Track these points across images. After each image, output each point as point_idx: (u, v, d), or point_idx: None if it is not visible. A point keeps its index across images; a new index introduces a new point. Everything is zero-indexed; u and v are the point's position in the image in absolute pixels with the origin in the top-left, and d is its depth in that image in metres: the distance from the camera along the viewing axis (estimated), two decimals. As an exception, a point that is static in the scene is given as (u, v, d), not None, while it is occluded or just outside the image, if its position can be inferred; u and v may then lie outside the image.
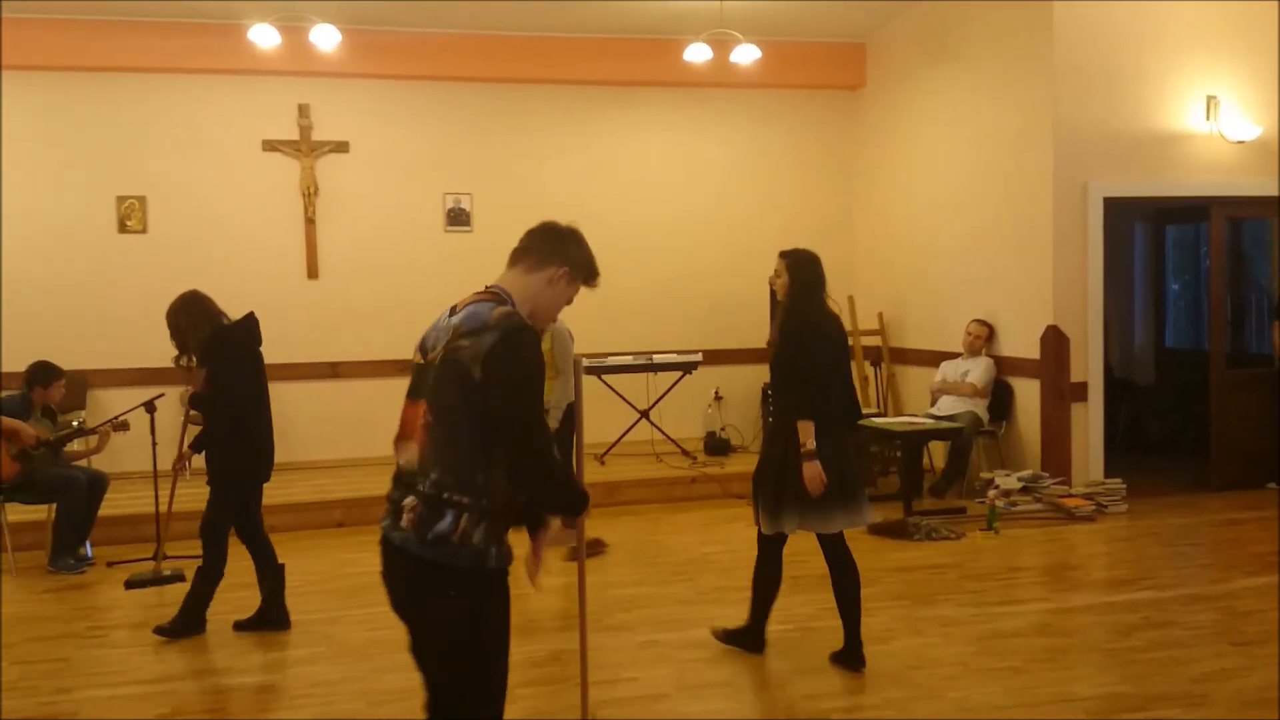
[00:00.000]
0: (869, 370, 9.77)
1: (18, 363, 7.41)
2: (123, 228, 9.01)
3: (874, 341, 9.81)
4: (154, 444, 6.60)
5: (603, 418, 9.28)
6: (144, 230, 9.04)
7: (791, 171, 10.38)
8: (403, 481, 2.68)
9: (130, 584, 5.80)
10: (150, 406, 6.55)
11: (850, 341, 9.87)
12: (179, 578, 5.69)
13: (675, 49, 9.19)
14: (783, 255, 4.78)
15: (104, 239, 8.95)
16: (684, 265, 10.16)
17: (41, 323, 8.66)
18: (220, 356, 5.28)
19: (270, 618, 5.41)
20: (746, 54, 8.99)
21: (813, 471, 4.47)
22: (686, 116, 10.17)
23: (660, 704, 4.38)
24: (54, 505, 6.76)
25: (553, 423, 6.35)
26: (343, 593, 6.09)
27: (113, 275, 8.89)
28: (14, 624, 5.28)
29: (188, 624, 5.30)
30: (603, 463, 8.92)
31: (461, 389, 2.55)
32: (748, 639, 4.92)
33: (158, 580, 5.90)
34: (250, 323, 5.44)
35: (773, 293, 6.16)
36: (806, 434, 4.48)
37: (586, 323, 9.84)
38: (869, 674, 4.62)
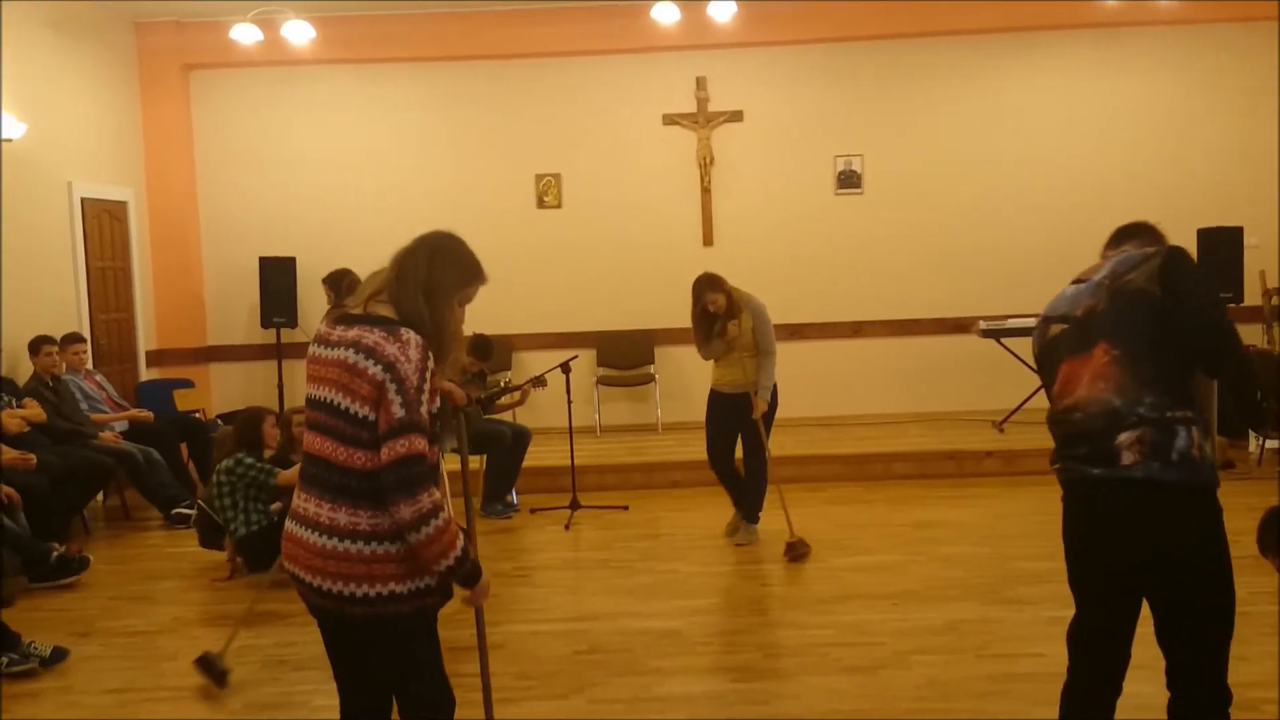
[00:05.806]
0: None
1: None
2: (540, 203, 9.77)
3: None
4: (569, 401, 7.17)
5: (1001, 383, 8.88)
6: (559, 205, 9.75)
7: (1212, 114, 9.31)
8: (1092, 430, 2.73)
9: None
10: (566, 367, 7.09)
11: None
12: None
13: (1083, -12, 8.56)
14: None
15: (525, 214, 9.74)
16: (1089, 220, 9.28)
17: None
18: None
19: None
20: (1167, -14, 8.19)
21: None
22: (1092, 61, 9.43)
23: (1066, 682, 4.16)
24: (484, 456, 7.50)
25: (762, 404, 6.24)
26: (732, 547, 6.29)
27: (533, 248, 9.65)
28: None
29: None
30: (1001, 430, 8.55)
31: (1147, 310, 2.69)
32: None
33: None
34: None
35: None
36: None
37: (982, 283, 9.54)
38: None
